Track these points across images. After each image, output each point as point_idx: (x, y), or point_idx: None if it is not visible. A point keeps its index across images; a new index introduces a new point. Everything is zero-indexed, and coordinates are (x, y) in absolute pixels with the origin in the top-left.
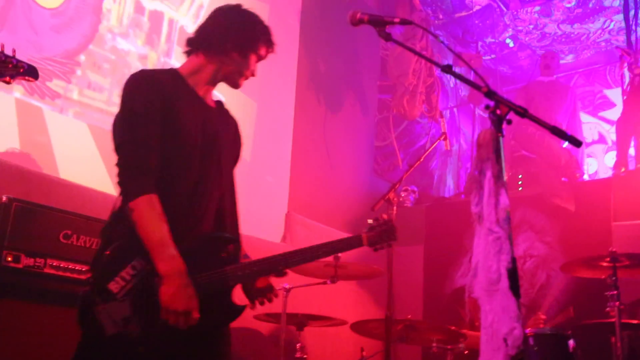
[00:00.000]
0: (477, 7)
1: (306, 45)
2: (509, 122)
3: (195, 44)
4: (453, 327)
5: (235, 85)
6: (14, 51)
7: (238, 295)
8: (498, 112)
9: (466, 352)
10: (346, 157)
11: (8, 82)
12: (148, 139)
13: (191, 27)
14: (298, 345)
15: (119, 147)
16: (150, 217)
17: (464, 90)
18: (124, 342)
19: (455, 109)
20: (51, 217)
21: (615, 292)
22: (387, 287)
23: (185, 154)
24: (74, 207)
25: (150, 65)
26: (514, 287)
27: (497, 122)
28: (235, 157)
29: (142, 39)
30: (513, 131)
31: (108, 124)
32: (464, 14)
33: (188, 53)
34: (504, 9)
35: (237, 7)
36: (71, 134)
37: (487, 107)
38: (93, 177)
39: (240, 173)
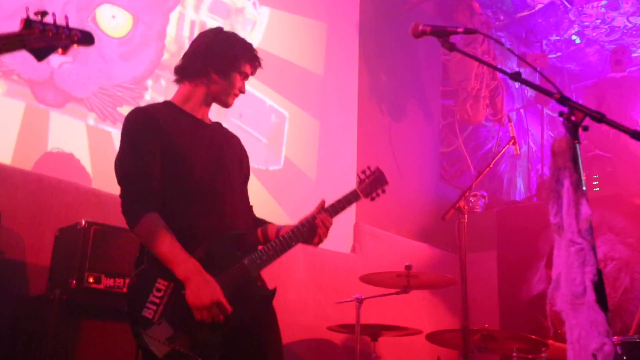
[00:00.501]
0: (540, 6)
1: (366, 58)
2: (585, 128)
3: (180, 73)
4: (534, 336)
5: (224, 104)
6: (66, 18)
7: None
8: (573, 118)
9: None
10: (412, 164)
11: (62, 54)
12: (147, 168)
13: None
14: (373, 355)
15: (120, 181)
16: (155, 232)
17: (530, 91)
18: (180, 357)
19: (522, 110)
20: (127, 238)
21: None
22: (461, 296)
23: (196, 174)
24: None
25: None
26: (601, 300)
27: (573, 129)
28: (242, 168)
29: None
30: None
31: None
32: (526, 13)
33: (177, 82)
34: (568, 5)
35: (217, 30)
36: None
37: (561, 113)
38: None
39: (306, 194)
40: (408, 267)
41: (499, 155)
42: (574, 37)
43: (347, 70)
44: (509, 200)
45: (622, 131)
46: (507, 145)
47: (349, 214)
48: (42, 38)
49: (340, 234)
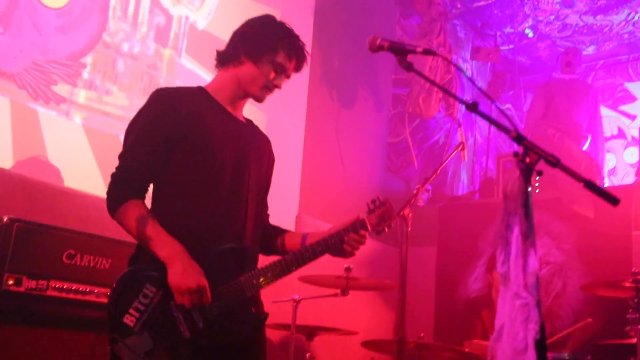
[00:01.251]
0: None
1: (320, 42)
2: (540, 173)
3: (217, 59)
4: (467, 350)
5: (255, 96)
6: None
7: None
8: (527, 160)
9: None
10: (359, 154)
11: None
12: (142, 152)
13: (202, 24)
14: (307, 355)
15: (119, 158)
16: (136, 218)
17: (480, 82)
18: None
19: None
20: (54, 237)
21: (637, 315)
22: (398, 304)
23: (215, 170)
24: (80, 217)
25: (158, 65)
26: (542, 358)
27: (526, 171)
28: (266, 173)
29: (148, 36)
30: (531, 131)
31: (113, 128)
32: (482, 3)
33: (216, 68)
34: None
35: (262, 16)
36: (76, 140)
37: (515, 154)
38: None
39: None
40: (348, 269)
41: (445, 161)
42: (527, 30)
43: None
44: (453, 196)
45: (576, 179)
46: (456, 152)
47: (292, 205)
48: None
49: (282, 225)
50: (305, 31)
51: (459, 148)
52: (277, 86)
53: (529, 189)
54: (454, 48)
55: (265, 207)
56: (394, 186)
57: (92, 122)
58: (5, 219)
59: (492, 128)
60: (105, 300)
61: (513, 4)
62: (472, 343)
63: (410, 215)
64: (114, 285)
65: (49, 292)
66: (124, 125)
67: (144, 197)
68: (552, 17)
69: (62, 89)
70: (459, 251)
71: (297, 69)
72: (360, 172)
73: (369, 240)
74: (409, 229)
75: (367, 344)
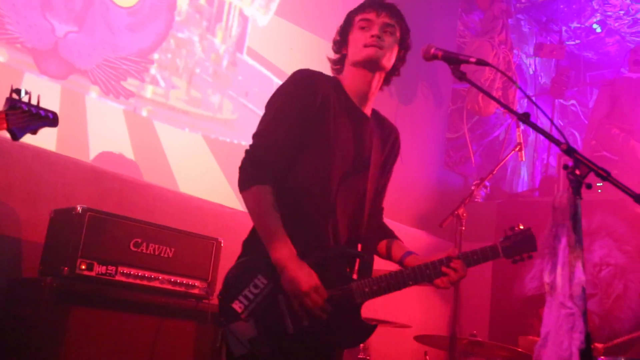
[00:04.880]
0: None
1: None
2: (589, 186)
3: (334, 69)
4: (520, 346)
5: (366, 59)
6: (38, 97)
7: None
8: (577, 172)
9: None
10: (417, 150)
11: (33, 134)
12: (280, 138)
13: (263, 20)
14: (361, 345)
15: (253, 137)
16: (261, 205)
17: (544, 78)
18: None
19: (533, 98)
20: (122, 226)
21: None
22: (453, 300)
23: (331, 167)
24: (146, 207)
25: (221, 60)
26: None
27: (576, 183)
28: (385, 170)
29: (211, 33)
30: (595, 130)
31: (178, 122)
32: None
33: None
34: None
35: None
36: (143, 133)
37: (565, 166)
38: (186, 181)
39: None
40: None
41: (502, 162)
42: (595, 25)
43: None
44: (511, 193)
45: (626, 193)
46: (513, 152)
47: None
48: (23, 119)
49: None
50: None
51: (517, 148)
52: (373, 35)
53: (578, 201)
54: (516, 44)
55: (380, 203)
56: (452, 182)
57: (158, 116)
58: (78, 208)
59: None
60: (168, 286)
61: None
62: (527, 339)
63: (465, 214)
64: (228, 274)
65: (117, 277)
66: (189, 120)
67: (273, 182)
68: (622, 12)
69: (130, 84)
70: None
71: (381, 15)
72: (418, 168)
73: (425, 235)
74: (463, 228)
75: (420, 338)
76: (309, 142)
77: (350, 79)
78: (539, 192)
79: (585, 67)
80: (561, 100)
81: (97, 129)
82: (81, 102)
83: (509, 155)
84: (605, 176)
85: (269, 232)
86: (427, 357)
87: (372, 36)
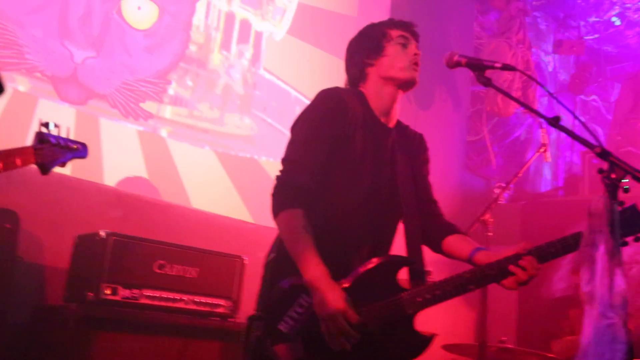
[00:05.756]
0: None
1: None
2: (626, 190)
3: (351, 85)
4: (551, 355)
5: (408, 80)
6: (67, 130)
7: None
8: (613, 176)
9: None
10: (438, 154)
11: (62, 166)
12: (310, 161)
13: (279, 35)
14: None
15: (282, 162)
16: (292, 230)
17: (564, 75)
18: None
19: (557, 97)
20: (146, 248)
21: None
22: (480, 306)
23: (355, 183)
24: (169, 227)
25: (238, 76)
26: None
27: (612, 188)
28: (417, 175)
29: (227, 49)
30: (619, 125)
31: (199, 140)
32: None
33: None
34: None
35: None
36: (163, 153)
37: (600, 170)
38: (202, 199)
39: None
40: (427, 272)
41: (527, 165)
42: (614, 18)
43: None
44: (535, 193)
45: None
46: (538, 153)
47: None
48: (52, 152)
49: None
50: None
51: (541, 150)
52: (416, 54)
53: (615, 206)
54: (534, 42)
55: (430, 201)
56: (474, 185)
57: (178, 136)
58: (102, 233)
59: (576, 121)
60: (193, 307)
61: None
62: (561, 341)
63: (490, 220)
64: (273, 295)
65: (142, 300)
66: (209, 137)
67: (304, 206)
68: None
69: (149, 105)
70: None
71: (413, 34)
72: (439, 172)
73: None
74: (490, 234)
75: (448, 347)
76: (338, 160)
77: (376, 93)
78: (564, 191)
79: (605, 61)
80: (582, 96)
81: (111, 152)
82: (95, 125)
83: (534, 158)
84: None
85: (300, 255)
86: None
87: (416, 55)
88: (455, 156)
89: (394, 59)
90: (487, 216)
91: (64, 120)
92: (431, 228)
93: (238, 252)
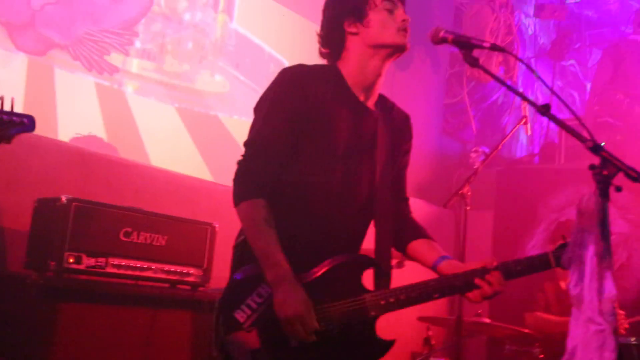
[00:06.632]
0: None
1: None
2: (618, 189)
3: (328, 56)
4: (528, 322)
5: (399, 45)
6: (12, 101)
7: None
8: (605, 172)
9: (541, 356)
10: (415, 117)
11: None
12: (271, 142)
13: None
14: None
15: (245, 145)
16: (254, 223)
17: (543, 38)
18: None
19: (532, 59)
20: (111, 215)
21: None
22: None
23: (329, 169)
24: (135, 188)
25: (211, 30)
26: None
27: (604, 185)
28: (395, 161)
29: (200, 1)
30: (598, 96)
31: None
32: None
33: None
34: None
35: None
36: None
37: (591, 166)
38: (163, 158)
39: None
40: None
41: (507, 137)
42: None
43: None
44: (511, 160)
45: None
46: (518, 125)
47: None
48: None
49: None
50: None
51: (522, 122)
52: (405, 20)
53: (607, 205)
54: (516, 5)
55: (401, 194)
56: (450, 148)
57: (145, 92)
58: (63, 198)
59: (555, 86)
60: (162, 276)
61: None
62: (533, 315)
63: (469, 193)
64: (230, 283)
65: (108, 269)
66: (177, 94)
67: (266, 195)
68: None
69: (115, 58)
70: (517, 217)
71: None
72: (416, 135)
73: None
74: (468, 208)
75: (424, 319)
76: (305, 143)
77: (359, 65)
78: (539, 158)
79: (585, 26)
80: (564, 63)
81: (66, 105)
82: (50, 77)
83: (514, 130)
84: (636, 177)
85: (262, 251)
86: (430, 332)
87: (404, 20)
88: (432, 118)
89: (381, 25)
90: (466, 189)
91: (15, 70)
92: (399, 229)
93: (209, 216)
